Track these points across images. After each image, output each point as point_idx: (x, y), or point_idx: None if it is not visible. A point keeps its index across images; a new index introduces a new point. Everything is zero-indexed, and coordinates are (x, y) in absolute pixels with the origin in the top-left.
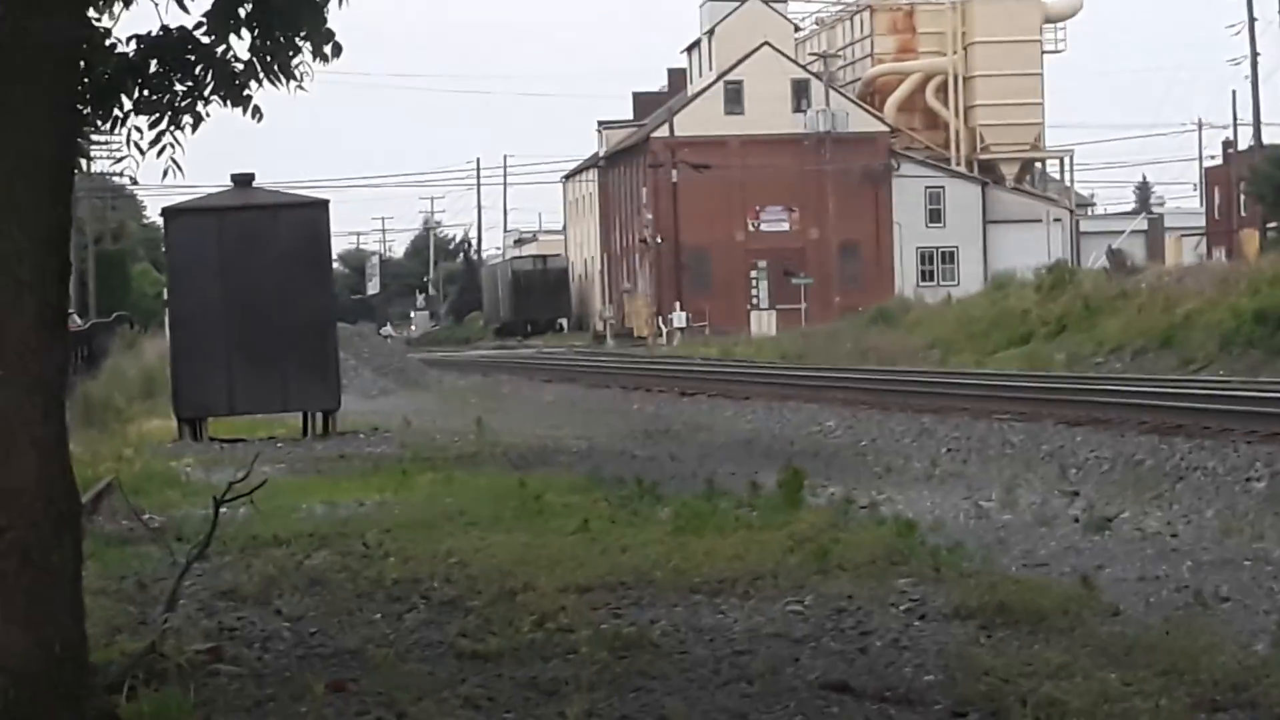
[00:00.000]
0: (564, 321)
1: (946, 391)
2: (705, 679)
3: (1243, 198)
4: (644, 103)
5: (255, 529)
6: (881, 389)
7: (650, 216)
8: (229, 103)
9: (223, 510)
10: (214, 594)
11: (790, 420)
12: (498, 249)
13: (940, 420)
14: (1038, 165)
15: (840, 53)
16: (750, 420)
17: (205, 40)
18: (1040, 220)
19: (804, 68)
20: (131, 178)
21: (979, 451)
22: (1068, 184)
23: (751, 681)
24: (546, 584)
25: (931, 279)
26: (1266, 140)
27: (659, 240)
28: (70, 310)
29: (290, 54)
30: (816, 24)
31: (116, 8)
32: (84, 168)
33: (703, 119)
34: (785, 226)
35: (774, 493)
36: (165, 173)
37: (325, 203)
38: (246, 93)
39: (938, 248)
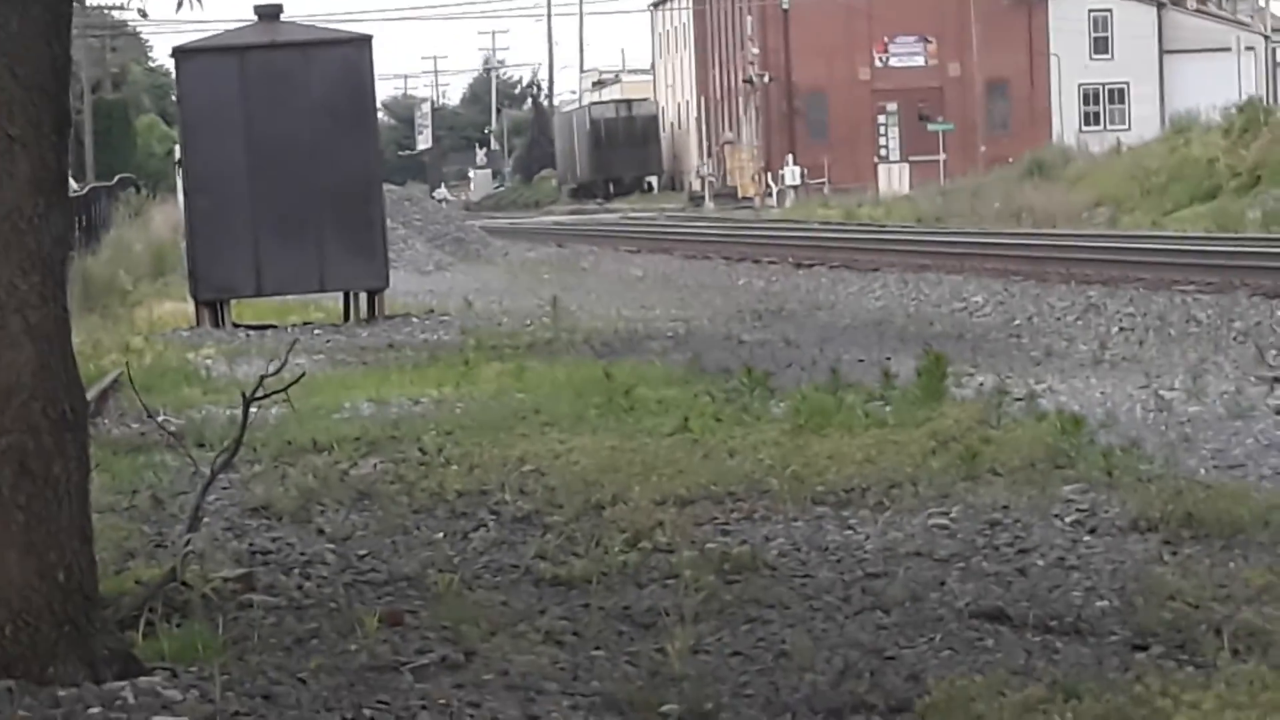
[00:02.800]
0: (653, 180)
1: (1117, 259)
2: (832, 607)
3: None
4: None
5: (291, 432)
6: (1038, 256)
7: (756, 51)
8: None
9: (252, 410)
10: (243, 510)
11: (929, 296)
12: (573, 93)
13: (1110, 293)
14: None
15: None
16: (880, 296)
17: None
18: (1229, 49)
19: None
20: (140, 10)
21: (1158, 330)
22: (1262, 4)
23: (888, 610)
24: (640, 496)
25: (1097, 122)
26: None
27: (767, 80)
28: (68, 173)
29: None
30: None
31: None
32: None
33: None
34: (919, 61)
35: (911, 383)
36: (181, 3)
37: (367, 39)
38: None
39: (1104, 84)
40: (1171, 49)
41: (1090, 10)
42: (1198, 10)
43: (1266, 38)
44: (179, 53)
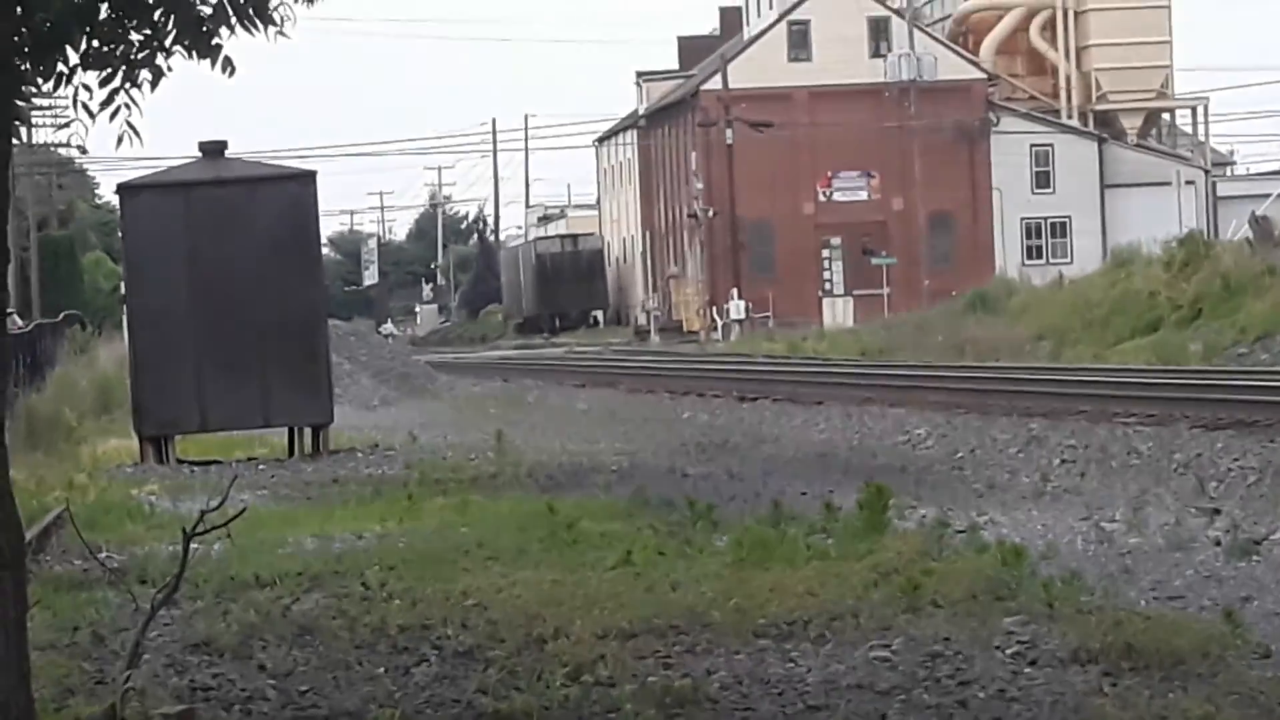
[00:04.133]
0: (599, 314)
1: (1059, 391)
2: None
3: None
4: (692, 49)
5: (233, 568)
6: (981, 389)
7: (701, 186)
8: (195, 54)
9: (194, 546)
10: (185, 646)
11: (872, 429)
12: (519, 228)
13: (1052, 426)
14: (1165, 117)
15: None
16: (823, 429)
17: None
18: (1169, 183)
19: (883, 3)
20: (80, 147)
21: (1099, 463)
22: (1202, 139)
23: None
24: (582, 629)
25: (1039, 256)
26: None
27: (711, 214)
28: (9, 309)
29: None
30: None
31: None
32: (23, 137)
33: (762, 67)
34: (863, 196)
35: (853, 515)
36: (120, 140)
37: (312, 175)
38: (216, 41)
39: (1046, 218)
40: (1112, 183)
41: (1032, 145)
42: (1138, 145)
43: (1207, 172)
44: (124, 189)
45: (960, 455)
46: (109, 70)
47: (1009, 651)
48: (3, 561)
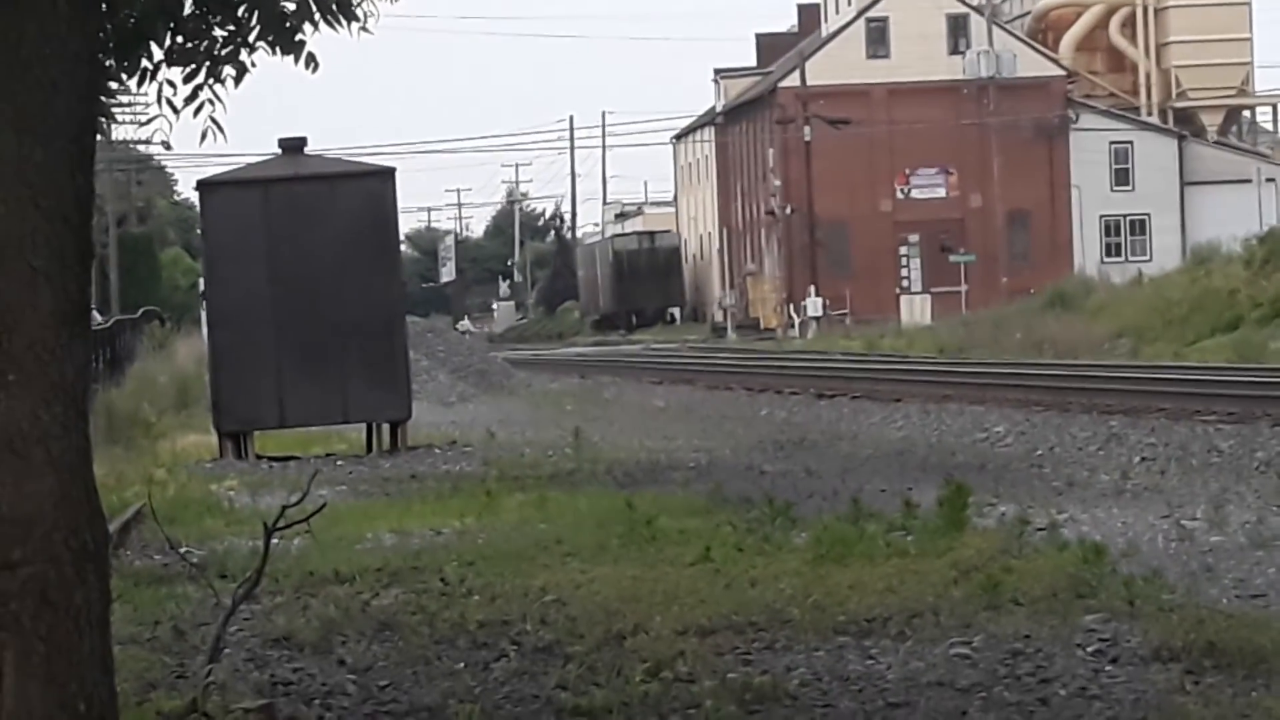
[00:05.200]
0: (676, 311)
1: (1139, 389)
2: None
3: None
4: (770, 46)
5: (313, 563)
6: (1060, 387)
7: (778, 183)
8: (279, 50)
9: (274, 541)
10: (265, 641)
11: (950, 426)
12: (596, 225)
13: (1132, 424)
14: (1246, 114)
15: None
16: (902, 427)
17: None
18: (1249, 180)
19: (962, 0)
20: (164, 142)
21: (1180, 460)
22: None
23: None
24: (661, 625)
25: (1118, 253)
26: None
27: (789, 212)
28: (90, 305)
29: None
30: None
31: None
32: (105, 133)
33: (840, 64)
34: (941, 193)
35: (933, 513)
36: (204, 135)
37: (391, 171)
38: (299, 37)
39: (1125, 215)
40: (1192, 180)
41: (1111, 142)
42: (1218, 142)
43: None
44: (203, 185)
45: (1039, 453)
46: (193, 66)
47: (1090, 649)
48: (87, 554)
